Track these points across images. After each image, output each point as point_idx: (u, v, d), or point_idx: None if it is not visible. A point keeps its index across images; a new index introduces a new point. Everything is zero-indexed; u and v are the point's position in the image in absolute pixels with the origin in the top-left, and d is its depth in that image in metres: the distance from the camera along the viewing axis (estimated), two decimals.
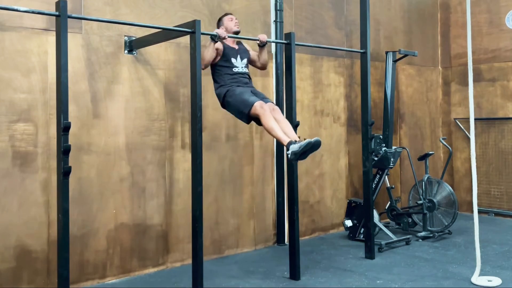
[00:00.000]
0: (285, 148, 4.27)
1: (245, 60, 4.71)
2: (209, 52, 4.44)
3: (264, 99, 4.53)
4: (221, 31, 4.43)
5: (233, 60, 4.61)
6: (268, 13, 5.97)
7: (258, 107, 4.30)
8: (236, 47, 4.73)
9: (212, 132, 5.42)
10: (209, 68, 4.62)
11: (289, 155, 4.15)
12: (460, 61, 7.90)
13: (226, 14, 4.83)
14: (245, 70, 4.69)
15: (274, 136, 4.34)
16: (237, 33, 4.71)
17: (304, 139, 4.13)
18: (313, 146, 4.07)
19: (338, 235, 6.45)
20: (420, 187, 6.36)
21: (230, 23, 4.71)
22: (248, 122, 4.52)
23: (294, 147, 4.09)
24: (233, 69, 4.61)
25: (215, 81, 4.65)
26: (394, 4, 7.47)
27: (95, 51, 4.69)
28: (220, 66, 4.60)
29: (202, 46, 4.19)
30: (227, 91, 4.52)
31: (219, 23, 4.80)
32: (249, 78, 4.75)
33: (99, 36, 4.72)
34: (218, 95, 4.62)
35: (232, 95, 4.49)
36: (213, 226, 5.45)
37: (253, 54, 4.89)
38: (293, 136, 4.30)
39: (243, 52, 4.74)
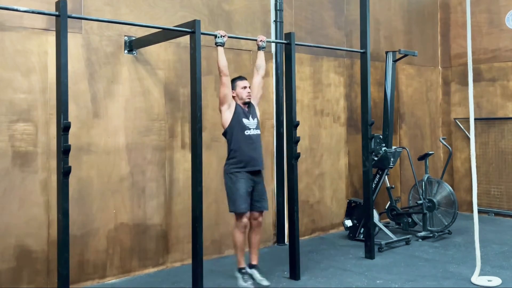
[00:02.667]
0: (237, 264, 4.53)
1: (256, 120, 4.55)
2: (222, 57, 4.33)
3: (258, 203, 4.50)
4: (221, 31, 4.41)
5: (245, 120, 4.45)
6: (268, 13, 5.97)
7: (240, 219, 4.39)
8: (247, 109, 4.54)
9: (212, 132, 5.42)
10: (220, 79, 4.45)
11: (236, 275, 4.51)
12: (460, 61, 7.90)
13: (240, 78, 4.61)
14: (257, 132, 4.53)
15: (234, 251, 4.56)
16: (247, 104, 4.53)
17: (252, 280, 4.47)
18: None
19: (338, 235, 6.45)
20: (420, 187, 6.36)
21: (243, 92, 4.51)
22: (230, 212, 4.52)
23: (239, 279, 4.48)
24: (245, 132, 4.44)
25: (228, 145, 4.50)
26: (394, 4, 7.47)
27: (95, 51, 4.69)
28: (232, 127, 4.44)
29: (202, 46, 4.18)
30: (232, 174, 4.41)
31: (232, 84, 4.53)
32: (260, 142, 4.58)
33: (99, 36, 4.72)
34: (224, 174, 4.53)
35: (232, 182, 4.41)
36: (213, 226, 5.45)
37: (254, 83, 4.67)
38: (254, 257, 4.57)
39: (253, 111, 4.57)
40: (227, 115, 4.45)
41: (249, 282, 4.44)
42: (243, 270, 4.50)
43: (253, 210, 4.49)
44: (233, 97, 4.50)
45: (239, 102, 4.50)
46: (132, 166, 4.89)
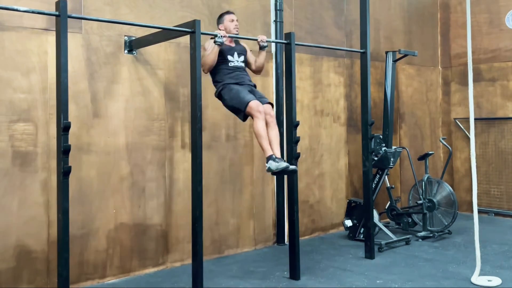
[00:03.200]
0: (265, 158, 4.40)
1: (242, 57, 4.66)
2: (212, 56, 4.41)
3: (262, 98, 4.53)
4: (222, 32, 4.41)
5: (229, 57, 4.58)
6: (268, 13, 5.97)
7: (254, 107, 4.32)
8: (233, 45, 4.70)
9: (212, 132, 5.42)
10: None
11: (266, 167, 4.33)
12: (460, 61, 7.90)
13: (228, 12, 4.78)
14: (242, 64, 4.65)
15: (259, 143, 4.42)
16: (235, 44, 4.67)
17: (284, 162, 4.30)
18: (290, 172, 4.33)
19: (338, 235, 6.45)
20: (420, 187, 6.36)
21: (230, 24, 4.67)
22: (244, 119, 4.54)
23: (272, 164, 4.28)
24: (229, 64, 4.57)
25: (212, 78, 4.64)
26: (394, 4, 7.47)
27: (95, 51, 4.69)
28: (217, 65, 4.55)
29: (202, 46, 4.18)
30: (223, 88, 4.52)
31: (219, 20, 4.75)
32: (246, 73, 4.69)
33: (99, 36, 4.72)
34: (217, 95, 4.62)
35: (228, 92, 4.49)
36: (213, 226, 5.45)
37: (250, 55, 4.83)
38: (277, 151, 4.40)
39: (240, 50, 4.70)
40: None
41: (282, 162, 4.26)
42: (273, 156, 4.30)
43: (262, 104, 4.45)
44: (221, 31, 4.53)
45: (226, 40, 4.58)
46: (132, 166, 4.89)
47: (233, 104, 4.45)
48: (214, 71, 4.59)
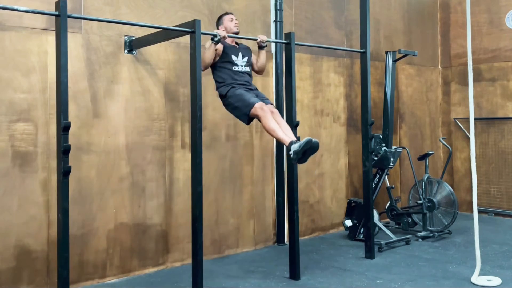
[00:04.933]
0: (286, 149, 4.30)
1: (246, 58, 4.68)
2: (209, 53, 4.43)
3: (264, 100, 4.53)
4: (221, 31, 4.42)
5: (233, 57, 4.59)
6: (268, 13, 5.97)
7: (259, 108, 4.32)
8: (237, 46, 4.73)
9: (212, 132, 5.42)
10: (209, 68, 4.62)
11: (291, 155, 4.18)
12: (460, 61, 7.90)
13: (226, 13, 4.81)
14: (246, 69, 4.66)
15: (275, 137, 4.37)
16: (236, 34, 4.70)
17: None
18: (312, 146, 4.10)
19: (338, 235, 6.45)
20: (420, 187, 6.36)
21: (230, 23, 4.70)
22: (248, 123, 4.53)
23: (295, 147, 4.13)
24: (234, 68, 4.58)
25: (216, 80, 4.64)
26: (394, 4, 7.47)
27: (95, 51, 4.69)
28: (220, 65, 4.58)
29: (202, 46, 4.19)
30: (228, 91, 4.51)
31: (218, 22, 4.78)
32: (250, 77, 4.73)
33: (99, 36, 4.72)
34: (219, 95, 4.62)
35: (232, 95, 4.48)
36: (213, 226, 5.45)
37: (253, 56, 4.85)
38: (293, 137, 4.33)
39: (244, 50, 4.73)
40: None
41: (300, 142, 4.11)
42: (293, 141, 4.19)
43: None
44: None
45: (228, 41, 4.60)
46: (132, 166, 4.89)
47: (238, 107, 4.44)
48: (217, 70, 4.59)
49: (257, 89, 4.74)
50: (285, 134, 4.32)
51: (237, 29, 4.70)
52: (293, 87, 4.78)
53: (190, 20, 4.21)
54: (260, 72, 4.91)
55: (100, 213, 4.68)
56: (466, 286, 4.50)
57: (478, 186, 5.27)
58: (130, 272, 4.86)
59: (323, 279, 4.74)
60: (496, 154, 7.45)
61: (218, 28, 4.72)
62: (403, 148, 6.64)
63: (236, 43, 4.79)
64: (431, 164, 7.28)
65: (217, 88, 4.63)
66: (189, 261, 4.93)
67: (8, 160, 4.21)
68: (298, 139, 4.33)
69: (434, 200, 6.27)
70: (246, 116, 4.41)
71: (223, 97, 4.56)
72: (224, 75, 4.57)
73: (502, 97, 7.42)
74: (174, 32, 4.32)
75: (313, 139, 4.11)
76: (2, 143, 4.19)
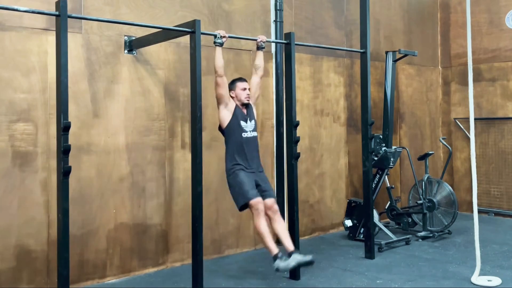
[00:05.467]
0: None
1: (253, 122, 4.52)
2: (219, 57, 4.29)
3: (265, 192, 4.38)
4: (221, 31, 4.39)
5: (242, 123, 4.42)
6: (268, 13, 5.97)
7: (254, 205, 4.21)
8: (245, 111, 4.52)
9: (212, 132, 5.41)
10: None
11: (274, 267, 4.14)
12: (460, 61, 7.90)
13: (240, 79, 4.57)
14: (254, 134, 4.50)
15: (262, 242, 4.30)
16: (246, 105, 4.51)
17: (296, 254, 4.09)
18: (305, 264, 4.11)
19: (338, 235, 6.45)
20: (420, 187, 6.35)
21: (242, 93, 4.48)
22: (240, 210, 4.40)
23: (279, 265, 4.09)
24: (243, 134, 4.41)
25: (226, 145, 4.49)
26: (394, 4, 7.47)
27: (95, 51, 4.69)
28: (230, 129, 4.41)
29: (202, 46, 4.18)
30: (230, 170, 4.37)
31: (231, 86, 4.50)
32: (257, 143, 4.55)
33: (99, 36, 4.72)
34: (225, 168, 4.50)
35: (234, 178, 4.35)
36: (213, 226, 5.45)
37: (252, 82, 4.63)
38: (289, 243, 4.24)
39: (251, 115, 4.55)
40: (225, 114, 4.42)
41: (290, 261, 4.09)
42: (279, 255, 4.12)
43: (264, 198, 4.34)
44: (232, 97, 4.48)
45: (238, 103, 4.48)
46: (132, 166, 4.89)
47: (235, 194, 4.33)
48: (227, 138, 4.44)
49: (262, 171, 4.55)
50: (282, 239, 4.27)
51: (247, 100, 4.50)
52: (293, 87, 4.78)
53: (190, 20, 4.22)
54: (257, 71, 4.68)
55: (100, 213, 4.68)
56: (466, 286, 4.50)
57: (478, 186, 5.26)
58: (130, 272, 4.86)
59: (323, 279, 4.74)
60: (496, 154, 7.45)
61: (229, 92, 4.48)
62: (403, 148, 6.64)
63: (243, 104, 4.53)
64: (431, 164, 7.28)
65: (225, 154, 4.48)
66: (189, 261, 4.93)
67: (8, 160, 4.21)
68: (291, 253, 4.15)
69: (434, 200, 6.27)
70: (240, 205, 4.31)
71: (226, 170, 4.44)
72: (231, 144, 4.41)
73: (502, 97, 7.42)
74: (174, 32, 4.32)
75: (304, 260, 4.06)
76: (2, 143, 4.19)
